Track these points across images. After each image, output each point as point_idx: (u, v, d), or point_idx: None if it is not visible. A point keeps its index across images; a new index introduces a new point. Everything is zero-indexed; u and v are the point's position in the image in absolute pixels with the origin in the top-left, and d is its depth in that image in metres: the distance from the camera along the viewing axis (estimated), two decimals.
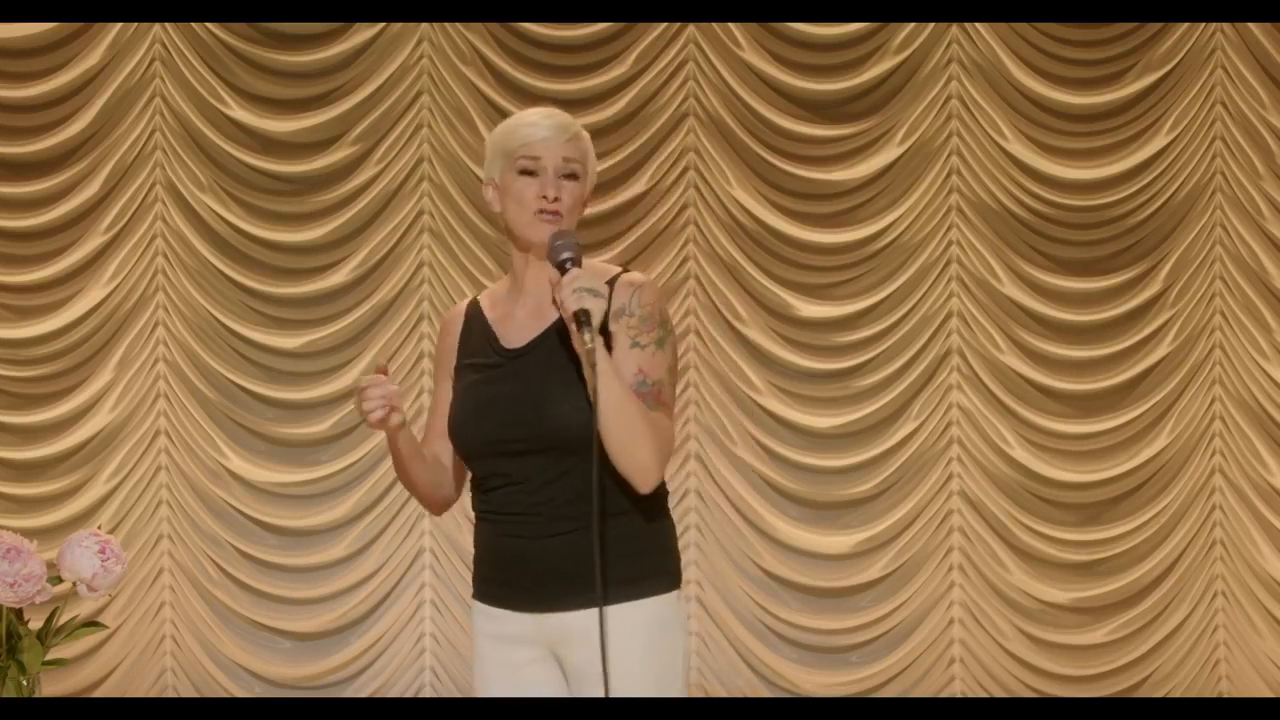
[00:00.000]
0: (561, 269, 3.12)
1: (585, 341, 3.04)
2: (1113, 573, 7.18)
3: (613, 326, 3.17)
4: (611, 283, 3.20)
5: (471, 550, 3.36)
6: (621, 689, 3.13)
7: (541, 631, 3.23)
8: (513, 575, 3.22)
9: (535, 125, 3.24)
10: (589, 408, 3.11)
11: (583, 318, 3.05)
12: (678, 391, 3.47)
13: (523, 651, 3.26)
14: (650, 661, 3.19)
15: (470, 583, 3.37)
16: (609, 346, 3.17)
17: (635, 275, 3.25)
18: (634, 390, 3.14)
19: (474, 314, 3.36)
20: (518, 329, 3.27)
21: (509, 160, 3.24)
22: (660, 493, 3.25)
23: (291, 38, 7.12)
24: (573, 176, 3.23)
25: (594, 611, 3.12)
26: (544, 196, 3.20)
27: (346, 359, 7.14)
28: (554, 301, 3.12)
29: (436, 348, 3.42)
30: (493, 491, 3.25)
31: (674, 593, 3.24)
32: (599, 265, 3.28)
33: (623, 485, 3.17)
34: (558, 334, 3.21)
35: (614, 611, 3.15)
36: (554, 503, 3.18)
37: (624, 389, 3.10)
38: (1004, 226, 7.22)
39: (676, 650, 3.22)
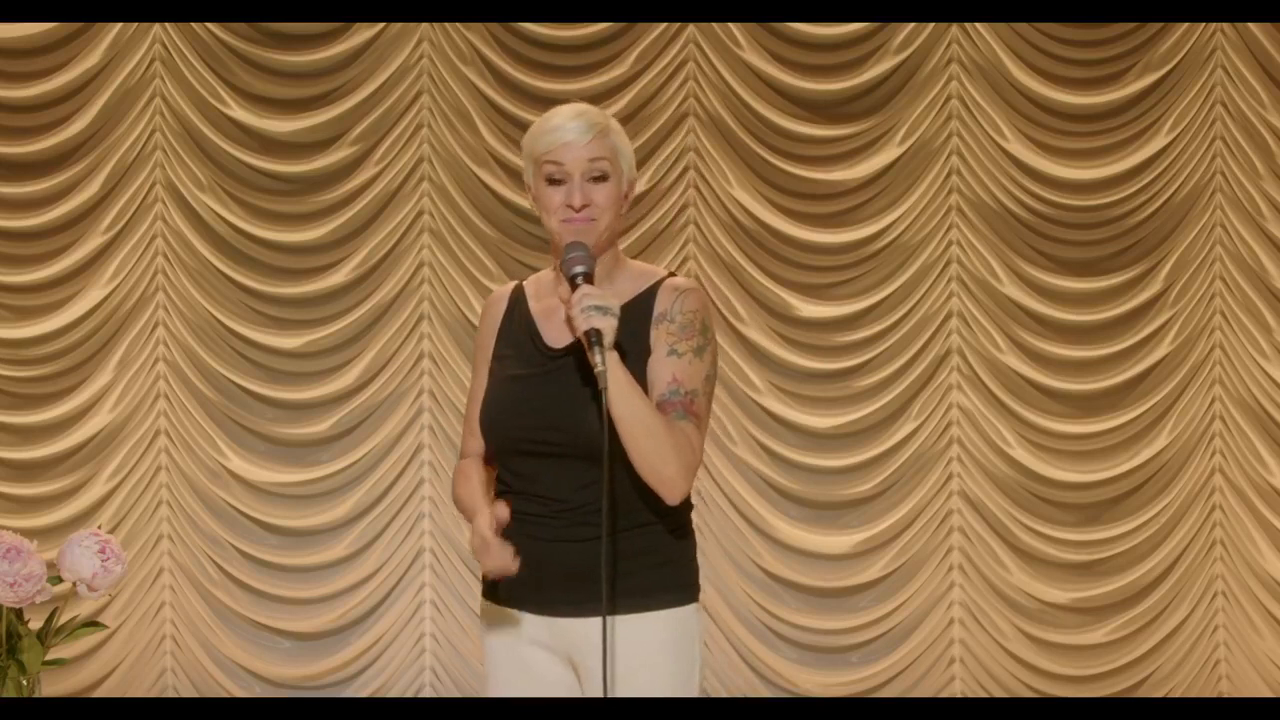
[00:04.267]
0: (572, 284, 3.08)
1: (596, 364, 3.01)
2: (1113, 573, 7.18)
3: (653, 331, 3.14)
4: (655, 286, 3.17)
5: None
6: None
7: (555, 636, 3.21)
8: (530, 577, 3.17)
9: (559, 129, 3.16)
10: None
11: (594, 337, 3.01)
12: None
13: (536, 653, 3.24)
14: (666, 672, 3.17)
15: (479, 581, 3.35)
16: (648, 351, 3.13)
17: (680, 280, 3.21)
18: (665, 399, 3.10)
19: (517, 301, 3.30)
20: (559, 328, 3.21)
21: (537, 167, 3.18)
22: (685, 505, 3.23)
23: (291, 38, 7.12)
24: (602, 177, 3.15)
25: (610, 619, 3.11)
26: (569, 205, 3.14)
27: (346, 359, 7.14)
28: (566, 319, 3.09)
29: (479, 330, 3.35)
30: (517, 493, 3.20)
31: (692, 605, 3.21)
32: (644, 267, 3.25)
33: (648, 496, 3.15)
34: None
35: (631, 621, 3.15)
36: (580, 509, 3.14)
37: (645, 404, 3.06)
38: (1004, 226, 7.22)
39: (693, 662, 3.20)
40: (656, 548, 3.18)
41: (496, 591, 3.27)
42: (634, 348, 3.14)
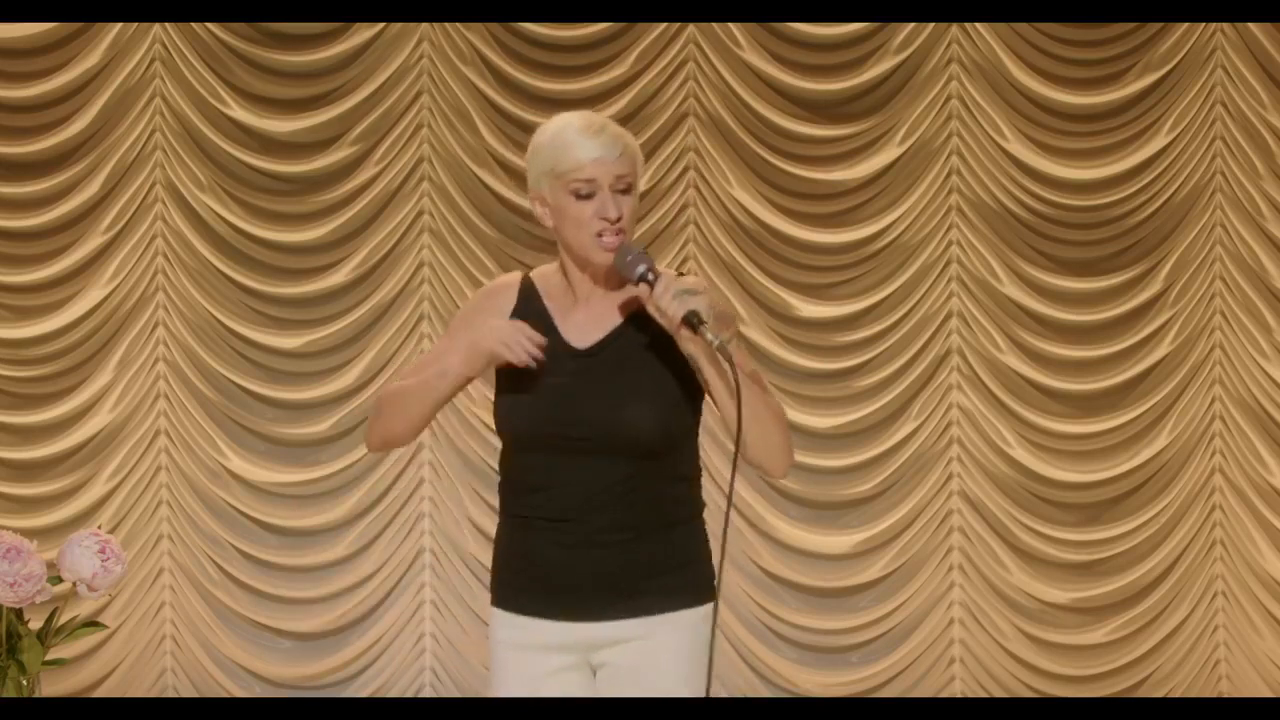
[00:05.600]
0: (645, 282, 3.08)
1: (710, 339, 3.01)
2: (1113, 573, 7.18)
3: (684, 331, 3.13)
4: None
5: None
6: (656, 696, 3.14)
7: (574, 639, 3.20)
8: (550, 583, 3.17)
9: (584, 147, 3.13)
10: (662, 412, 3.12)
11: (694, 319, 3.02)
12: None
13: (550, 659, 3.22)
14: (684, 672, 3.18)
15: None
16: (678, 350, 3.14)
17: (693, 279, 3.21)
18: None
19: (529, 295, 3.27)
20: (578, 330, 3.20)
21: (560, 182, 3.14)
22: (700, 505, 3.25)
23: (291, 38, 7.12)
24: (627, 191, 3.15)
25: (634, 621, 3.14)
26: (605, 219, 3.13)
27: (346, 359, 7.14)
28: (651, 312, 3.07)
29: (474, 305, 3.31)
30: (537, 492, 3.18)
31: (711, 604, 3.21)
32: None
33: (678, 496, 3.18)
34: (623, 338, 3.18)
35: (650, 622, 3.16)
36: (606, 510, 3.14)
37: (749, 381, 3.09)
38: (1004, 226, 7.22)
39: (703, 662, 3.19)
40: (679, 549, 3.20)
41: (509, 600, 3.24)
42: (666, 350, 3.14)
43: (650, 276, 3.07)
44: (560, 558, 3.16)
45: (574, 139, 3.14)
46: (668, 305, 3.03)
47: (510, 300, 3.27)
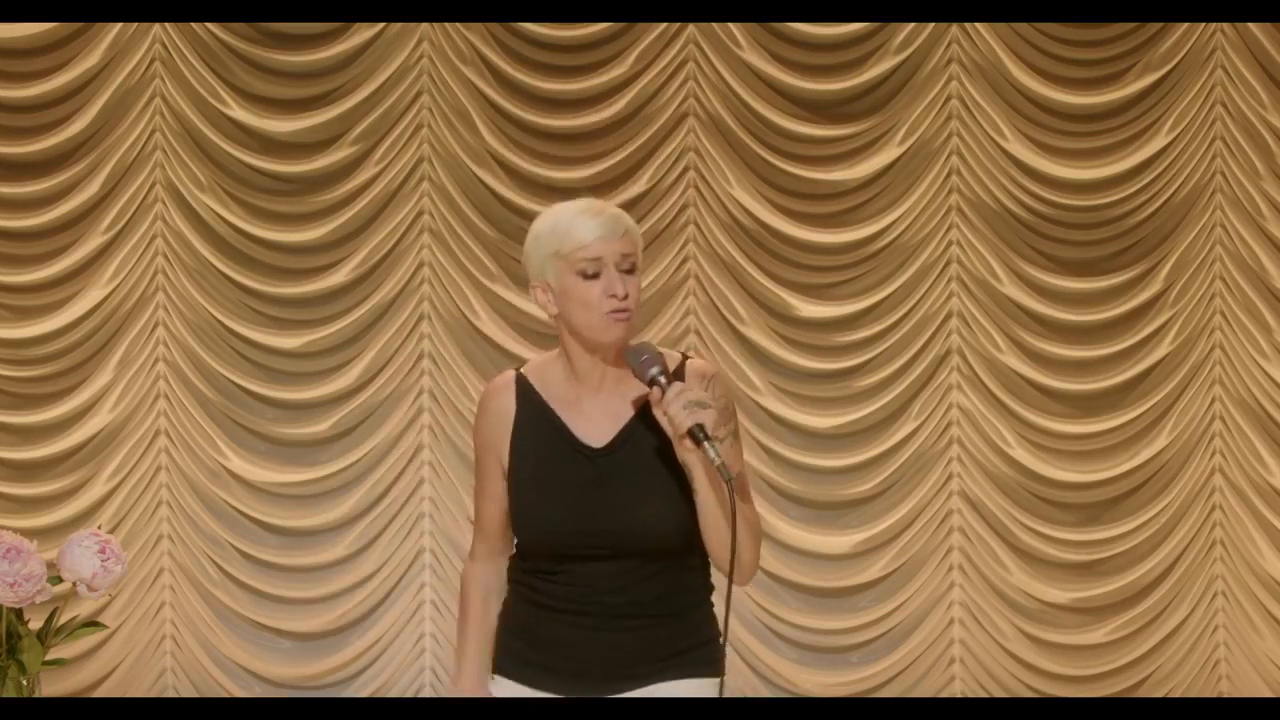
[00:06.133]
0: (657, 385, 3.05)
1: (712, 458, 2.98)
2: (1113, 573, 7.18)
3: None
4: (678, 371, 3.15)
5: None
6: None
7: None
8: (565, 663, 3.18)
9: (587, 226, 3.10)
10: (679, 512, 3.11)
11: (699, 433, 2.98)
12: None
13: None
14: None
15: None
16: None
17: (702, 364, 3.20)
18: None
19: (526, 393, 3.23)
20: (590, 425, 3.17)
21: (564, 263, 3.10)
22: (710, 586, 3.25)
23: (291, 38, 7.12)
24: (631, 271, 3.12)
25: (644, 690, 3.15)
26: (614, 296, 3.09)
27: (346, 359, 7.14)
28: (657, 416, 3.05)
29: (480, 422, 3.26)
30: (550, 582, 3.18)
31: (719, 678, 3.21)
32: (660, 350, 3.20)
33: (690, 583, 3.20)
34: (636, 434, 3.15)
35: (662, 689, 3.17)
36: (620, 595, 3.15)
37: (740, 501, 3.07)
38: (1004, 226, 7.22)
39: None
40: (689, 633, 3.20)
41: (513, 671, 3.24)
42: (664, 437, 3.12)
43: (663, 380, 3.04)
44: (570, 639, 3.17)
45: (576, 220, 3.11)
46: (676, 414, 3.00)
47: (510, 403, 3.22)
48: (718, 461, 2.98)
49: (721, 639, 3.20)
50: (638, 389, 3.14)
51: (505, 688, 3.24)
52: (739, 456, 3.16)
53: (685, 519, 3.13)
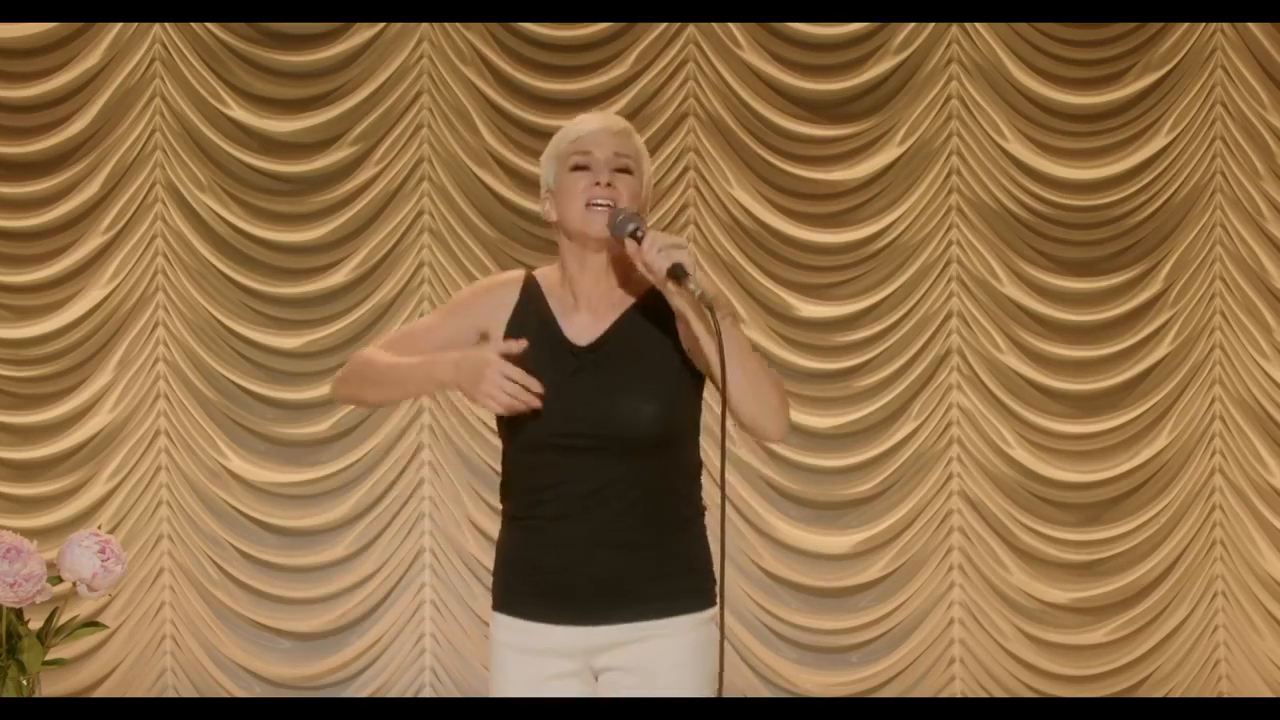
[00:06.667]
0: (634, 238, 3.06)
1: (692, 290, 3.00)
2: (1113, 573, 7.18)
3: (680, 323, 3.13)
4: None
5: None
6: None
7: (574, 644, 3.19)
8: (555, 588, 3.17)
9: (584, 121, 3.20)
10: (659, 405, 3.12)
11: (678, 271, 3.00)
12: None
13: (550, 664, 3.21)
14: (685, 678, 3.17)
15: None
16: (677, 344, 3.14)
17: (678, 237, 3.21)
18: None
19: (533, 292, 3.27)
20: (578, 328, 3.21)
21: (560, 162, 3.19)
22: (702, 508, 3.25)
23: (291, 38, 7.12)
24: (626, 170, 3.17)
25: (632, 626, 3.14)
26: (596, 184, 3.14)
27: (346, 359, 7.13)
28: (641, 268, 3.05)
29: (474, 291, 3.32)
30: (537, 491, 3.18)
31: (712, 609, 3.21)
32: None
33: (680, 492, 3.19)
34: (623, 334, 3.19)
35: (656, 626, 3.16)
36: (607, 506, 3.14)
37: (739, 332, 3.08)
38: (1004, 226, 7.22)
39: (713, 666, 3.17)
40: (679, 553, 3.20)
41: (509, 604, 3.24)
42: (665, 345, 3.15)
43: (639, 233, 3.06)
44: (559, 560, 3.16)
45: (579, 121, 3.22)
46: (654, 259, 3.02)
47: (513, 296, 3.27)
48: (698, 292, 2.99)
49: (718, 577, 3.18)
50: (631, 295, 3.19)
51: (502, 623, 3.24)
52: (741, 333, 3.14)
53: (667, 413, 3.15)
